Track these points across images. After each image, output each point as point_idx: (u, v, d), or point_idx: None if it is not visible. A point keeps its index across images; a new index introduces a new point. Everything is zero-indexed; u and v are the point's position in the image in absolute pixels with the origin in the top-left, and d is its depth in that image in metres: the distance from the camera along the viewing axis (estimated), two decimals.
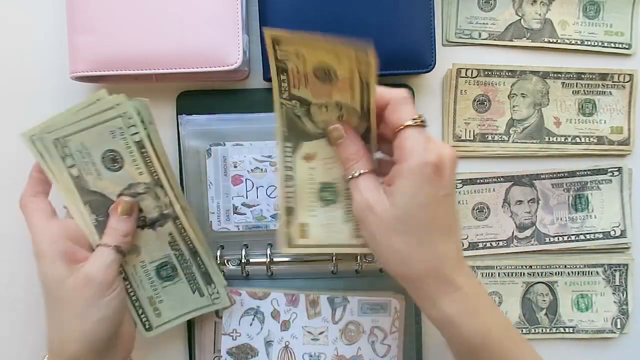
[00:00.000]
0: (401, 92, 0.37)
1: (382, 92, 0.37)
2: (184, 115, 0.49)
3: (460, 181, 0.52)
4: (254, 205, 0.50)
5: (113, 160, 0.41)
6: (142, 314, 0.45)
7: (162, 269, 0.45)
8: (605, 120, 0.53)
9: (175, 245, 0.44)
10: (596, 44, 0.52)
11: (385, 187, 0.37)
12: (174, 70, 0.47)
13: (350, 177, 0.38)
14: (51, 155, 0.41)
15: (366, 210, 0.36)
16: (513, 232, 0.53)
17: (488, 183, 0.52)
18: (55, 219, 0.42)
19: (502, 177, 0.52)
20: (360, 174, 0.37)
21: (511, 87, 0.52)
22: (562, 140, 0.53)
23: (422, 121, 0.36)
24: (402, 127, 0.36)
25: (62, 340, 0.38)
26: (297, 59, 0.36)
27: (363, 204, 0.36)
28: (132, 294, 0.44)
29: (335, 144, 0.39)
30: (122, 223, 0.41)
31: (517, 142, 0.52)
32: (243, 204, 0.50)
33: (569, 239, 0.53)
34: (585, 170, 0.53)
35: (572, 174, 0.53)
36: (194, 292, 0.46)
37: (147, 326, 0.45)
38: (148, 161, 0.41)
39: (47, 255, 0.39)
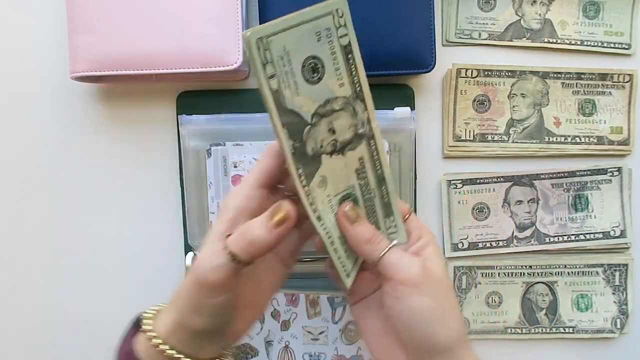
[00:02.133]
0: (415, 272, 0.36)
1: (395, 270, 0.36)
2: (184, 115, 0.49)
3: (460, 181, 0.52)
4: None
5: (313, 70, 0.33)
6: (339, 259, 0.37)
7: (344, 202, 0.37)
8: (605, 120, 0.53)
9: (363, 173, 0.37)
10: (596, 44, 0.53)
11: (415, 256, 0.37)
12: (173, 70, 0.47)
13: (380, 255, 0.36)
14: (257, 60, 0.31)
15: (426, 273, 0.35)
16: (513, 232, 0.53)
17: (488, 183, 0.52)
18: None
19: (502, 177, 0.52)
20: (392, 246, 0.36)
21: (511, 87, 0.52)
22: (562, 140, 0.53)
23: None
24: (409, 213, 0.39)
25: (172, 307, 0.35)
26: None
27: (422, 268, 0.35)
28: (329, 237, 0.36)
29: (350, 225, 0.36)
30: (263, 233, 0.33)
31: (517, 142, 0.52)
32: None
33: (569, 239, 0.53)
34: (585, 170, 0.53)
35: (572, 174, 0.53)
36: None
37: (347, 273, 0.38)
38: (353, 69, 0.35)
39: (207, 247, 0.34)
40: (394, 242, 0.37)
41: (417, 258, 0.36)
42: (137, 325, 0.37)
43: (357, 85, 0.35)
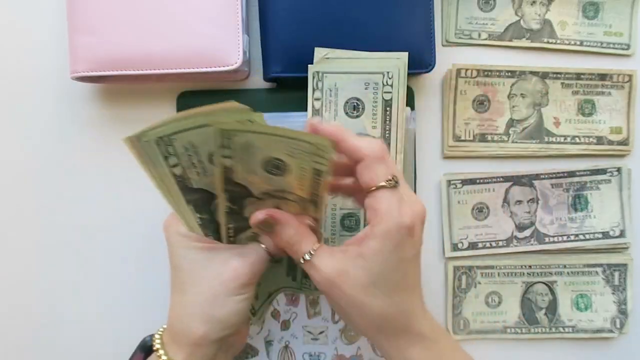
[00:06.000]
0: (377, 149, 0.35)
1: (356, 146, 0.35)
2: None
3: (460, 181, 0.52)
4: None
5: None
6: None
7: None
8: (604, 121, 0.53)
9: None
10: (595, 44, 0.53)
11: (352, 248, 0.36)
12: (174, 71, 0.47)
13: (302, 260, 0.36)
14: (153, 156, 0.36)
15: (330, 287, 0.35)
16: (513, 232, 0.53)
17: (488, 183, 0.52)
18: None
19: (501, 177, 0.52)
20: (312, 254, 0.36)
21: (511, 87, 0.52)
22: (562, 140, 0.53)
23: (396, 182, 0.35)
24: (375, 187, 0.35)
25: (189, 321, 0.37)
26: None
27: (326, 282, 0.35)
28: None
29: (270, 231, 0.37)
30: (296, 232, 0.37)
31: (516, 142, 0.52)
32: None
33: (569, 239, 0.53)
34: (584, 171, 0.53)
35: (571, 174, 0.53)
36: (287, 275, 0.43)
37: (252, 311, 0.42)
38: None
39: (186, 238, 0.38)
40: (307, 254, 0.36)
41: (331, 265, 0.35)
42: (144, 350, 0.39)
43: None
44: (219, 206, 0.38)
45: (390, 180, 0.35)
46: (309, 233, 0.37)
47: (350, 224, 0.44)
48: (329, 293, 0.36)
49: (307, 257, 0.36)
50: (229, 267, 0.37)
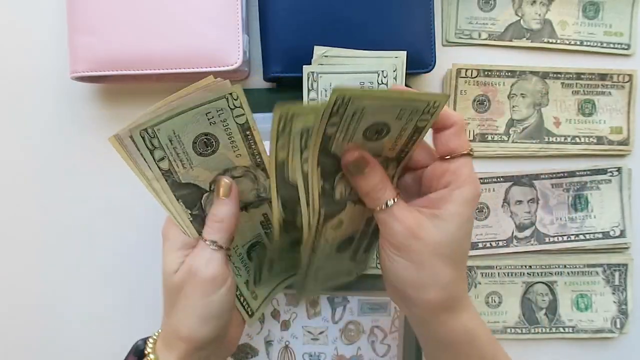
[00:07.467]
0: (462, 119, 0.36)
1: (447, 113, 0.35)
2: None
3: None
4: None
5: (206, 144, 0.36)
6: (243, 301, 0.42)
7: (252, 249, 0.41)
8: (604, 121, 0.53)
9: (267, 224, 0.41)
10: (595, 44, 0.53)
11: (425, 210, 0.35)
12: (174, 70, 0.47)
13: (380, 207, 0.36)
14: (140, 152, 0.35)
15: (411, 238, 0.35)
16: (513, 232, 0.53)
17: (488, 183, 0.52)
18: None
19: (501, 177, 0.52)
20: (393, 203, 0.35)
21: (511, 87, 0.52)
22: (562, 140, 0.53)
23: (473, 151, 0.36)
24: (462, 154, 0.35)
25: (180, 325, 0.37)
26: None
27: (407, 233, 0.35)
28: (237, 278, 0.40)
29: (358, 174, 0.36)
30: (222, 207, 0.37)
31: (516, 142, 0.52)
32: None
33: (569, 239, 0.53)
34: (584, 170, 0.53)
35: (571, 174, 0.53)
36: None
37: (249, 312, 0.42)
38: (252, 143, 0.37)
39: (178, 250, 0.37)
40: (390, 200, 0.36)
41: (411, 216, 0.35)
42: (136, 354, 0.39)
43: (257, 157, 0.38)
44: (312, 186, 0.35)
45: (471, 149, 0.36)
46: (390, 183, 0.36)
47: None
48: (407, 247, 0.35)
49: (390, 203, 0.35)
50: (185, 271, 0.37)
